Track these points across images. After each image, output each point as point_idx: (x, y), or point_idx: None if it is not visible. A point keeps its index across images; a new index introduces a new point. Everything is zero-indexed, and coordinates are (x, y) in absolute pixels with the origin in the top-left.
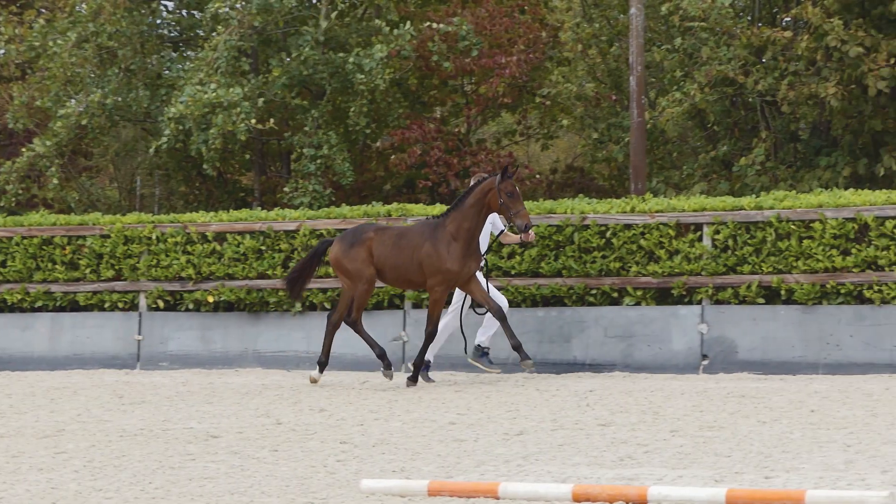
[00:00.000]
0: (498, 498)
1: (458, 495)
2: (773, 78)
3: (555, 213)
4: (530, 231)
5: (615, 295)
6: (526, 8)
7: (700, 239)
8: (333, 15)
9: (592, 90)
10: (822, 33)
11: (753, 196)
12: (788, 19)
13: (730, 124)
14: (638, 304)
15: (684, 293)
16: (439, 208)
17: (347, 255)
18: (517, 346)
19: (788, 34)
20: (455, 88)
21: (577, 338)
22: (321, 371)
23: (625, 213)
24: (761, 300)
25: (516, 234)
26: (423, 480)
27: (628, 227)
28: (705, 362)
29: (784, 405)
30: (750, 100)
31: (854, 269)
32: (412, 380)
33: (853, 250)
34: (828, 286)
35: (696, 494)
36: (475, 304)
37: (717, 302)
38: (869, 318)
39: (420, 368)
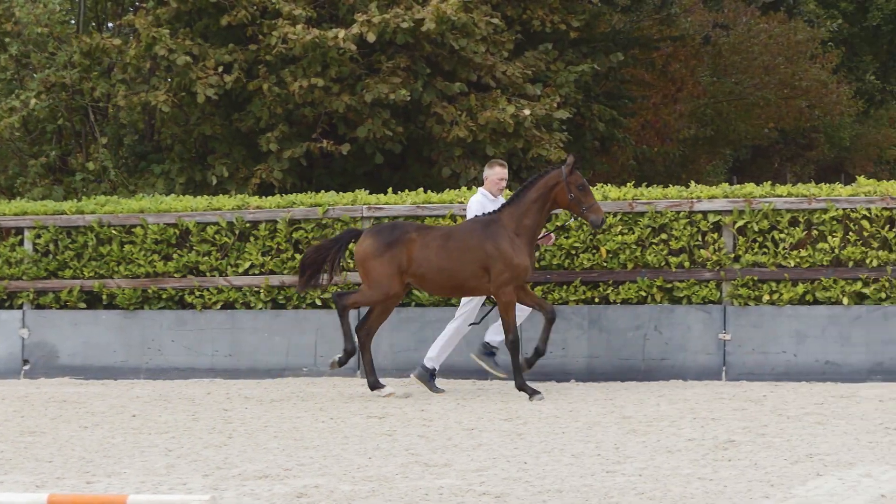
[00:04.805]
0: None
1: None
2: (107, 84)
3: None
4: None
5: None
6: None
7: (21, 243)
8: None
9: None
10: (151, 42)
11: (76, 201)
12: (112, 25)
13: (57, 129)
14: None
15: (5, 297)
16: None
17: (381, 257)
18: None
19: (118, 41)
20: None
21: None
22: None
23: None
24: (83, 305)
25: (591, 229)
26: None
27: None
28: (27, 367)
29: (105, 410)
30: (82, 105)
31: (176, 275)
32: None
33: (175, 255)
34: (149, 291)
35: (17, 500)
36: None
37: (39, 306)
38: (190, 322)
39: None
